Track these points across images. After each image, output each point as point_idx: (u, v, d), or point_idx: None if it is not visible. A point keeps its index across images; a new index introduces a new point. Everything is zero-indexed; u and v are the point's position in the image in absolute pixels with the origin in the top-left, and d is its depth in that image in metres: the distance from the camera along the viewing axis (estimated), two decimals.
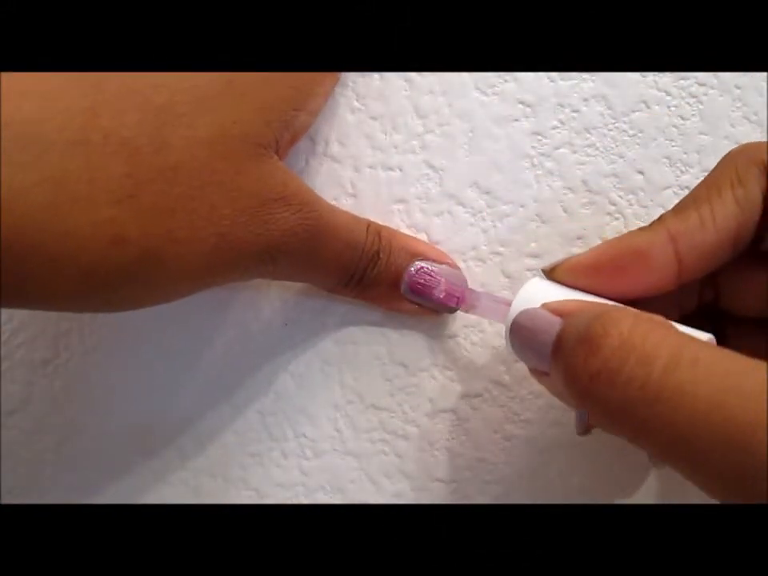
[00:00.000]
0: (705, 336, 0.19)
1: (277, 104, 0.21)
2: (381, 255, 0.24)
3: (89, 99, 0.18)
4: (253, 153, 0.20)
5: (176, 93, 0.19)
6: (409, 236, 0.25)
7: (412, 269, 0.24)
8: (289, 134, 0.22)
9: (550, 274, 0.22)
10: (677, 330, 0.17)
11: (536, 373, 0.20)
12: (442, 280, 0.24)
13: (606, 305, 0.19)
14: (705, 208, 0.20)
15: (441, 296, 0.24)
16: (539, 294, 0.21)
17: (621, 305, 0.20)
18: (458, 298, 0.24)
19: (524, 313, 0.20)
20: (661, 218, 0.21)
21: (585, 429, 0.23)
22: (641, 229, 0.21)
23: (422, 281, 0.24)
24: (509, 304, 0.21)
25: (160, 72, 0.19)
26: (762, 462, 0.15)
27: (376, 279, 0.24)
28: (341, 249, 0.23)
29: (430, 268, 0.24)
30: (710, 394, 0.15)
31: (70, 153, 0.18)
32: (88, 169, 0.18)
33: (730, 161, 0.20)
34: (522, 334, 0.20)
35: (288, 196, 0.21)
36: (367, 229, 0.24)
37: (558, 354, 0.18)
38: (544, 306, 0.20)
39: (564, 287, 0.21)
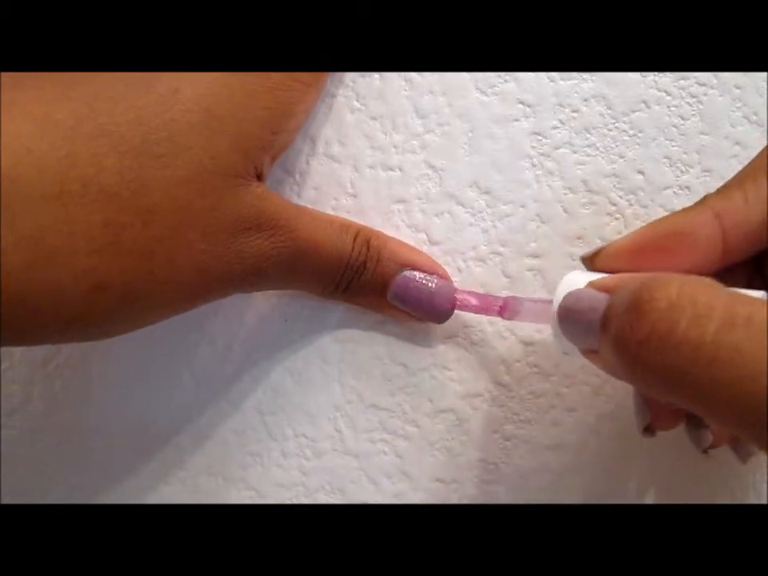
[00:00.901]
0: (758, 294, 0.18)
1: (254, 131, 0.21)
2: (367, 265, 0.24)
3: (65, 147, 0.18)
4: (230, 185, 0.20)
5: (152, 131, 0.19)
6: (402, 243, 0.25)
7: (399, 278, 0.24)
8: (269, 155, 0.22)
9: (592, 260, 0.21)
10: (728, 290, 0.16)
11: (589, 353, 0.20)
12: (430, 290, 0.24)
13: (649, 274, 0.18)
14: (750, 186, 0.20)
15: (475, 303, 0.24)
16: (581, 284, 0.20)
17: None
18: (501, 306, 0.23)
19: (570, 295, 0.19)
20: (704, 198, 0.20)
21: (647, 427, 0.23)
22: (683, 210, 0.21)
23: (408, 291, 0.24)
24: (551, 302, 0.21)
25: (120, 105, 0.19)
26: None
27: (362, 288, 0.24)
28: (321, 264, 0.23)
29: (416, 279, 0.24)
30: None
31: (47, 208, 0.17)
32: (67, 221, 0.18)
33: None
34: (569, 316, 0.19)
35: (261, 224, 0.21)
36: (354, 239, 0.24)
37: (607, 328, 0.17)
38: (589, 284, 0.19)
39: (604, 275, 0.20)
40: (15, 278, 0.17)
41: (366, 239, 0.24)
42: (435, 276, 0.24)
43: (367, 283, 0.24)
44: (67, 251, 0.18)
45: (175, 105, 0.19)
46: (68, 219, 0.18)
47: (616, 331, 0.17)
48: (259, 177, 0.21)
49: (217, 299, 0.22)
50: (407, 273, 0.24)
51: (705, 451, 0.23)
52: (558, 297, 0.20)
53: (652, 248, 0.20)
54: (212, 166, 0.20)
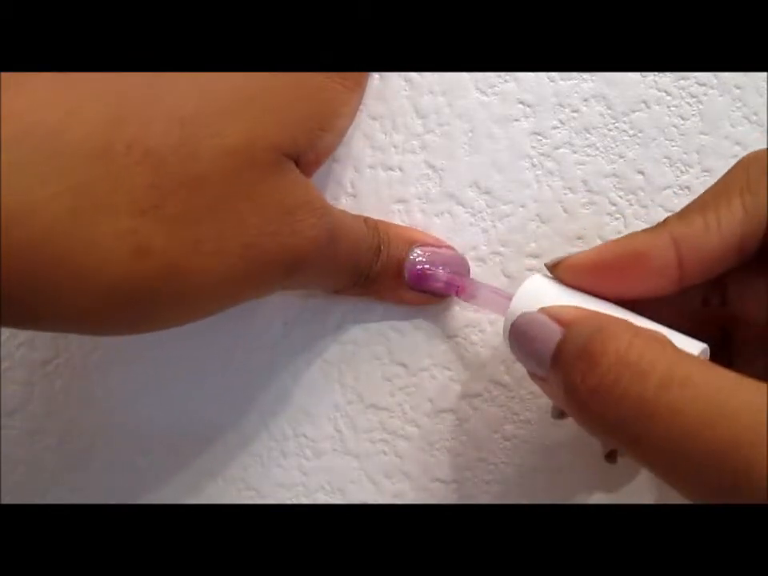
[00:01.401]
0: (699, 348, 0.19)
1: (302, 120, 0.21)
2: (382, 248, 0.24)
3: (112, 109, 0.18)
4: (278, 161, 0.20)
5: (202, 102, 0.19)
6: (403, 226, 0.26)
7: (412, 256, 0.24)
8: (313, 153, 0.21)
9: (553, 269, 0.22)
10: (673, 347, 0.17)
11: (533, 376, 0.21)
12: (442, 262, 0.25)
13: (606, 316, 0.19)
14: (710, 213, 0.20)
15: (443, 279, 0.24)
16: (540, 292, 0.21)
17: (620, 313, 0.20)
18: (458, 287, 0.24)
19: (524, 317, 0.20)
20: (665, 221, 0.21)
21: (560, 414, 0.23)
22: (643, 231, 0.21)
23: (424, 266, 0.24)
24: (509, 297, 0.21)
25: (180, 78, 0.19)
26: (749, 477, 0.15)
27: (380, 273, 0.24)
28: (352, 249, 0.23)
29: (429, 252, 0.25)
30: (700, 413, 0.16)
31: (92, 163, 0.17)
32: (110, 178, 0.17)
33: (742, 168, 0.20)
34: (521, 338, 0.20)
35: (309, 203, 0.21)
36: (365, 224, 0.24)
37: (558, 366, 0.18)
38: (543, 310, 0.20)
39: (564, 287, 0.21)
40: (55, 230, 0.17)
41: (374, 225, 0.24)
42: (443, 248, 0.25)
43: (384, 266, 0.24)
44: (110, 208, 0.17)
45: (226, 81, 0.20)
46: (111, 176, 0.17)
47: (568, 373, 0.18)
48: (301, 170, 0.21)
49: (261, 294, 0.22)
50: (418, 250, 0.25)
51: (609, 459, 0.24)
52: (517, 301, 0.21)
53: (609, 266, 0.21)
54: (261, 141, 0.19)
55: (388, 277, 0.24)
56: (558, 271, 0.21)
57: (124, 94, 0.18)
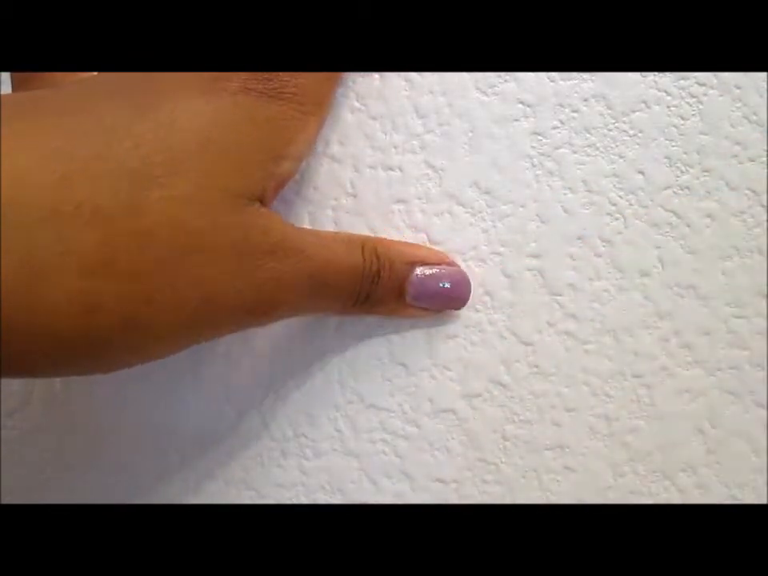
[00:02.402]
0: None
1: (254, 154, 0.20)
2: (382, 273, 0.24)
3: (60, 169, 0.18)
4: (231, 205, 0.20)
5: (149, 154, 0.19)
6: (405, 243, 0.25)
7: (414, 278, 0.24)
8: (271, 182, 0.21)
9: None
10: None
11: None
12: (446, 280, 0.25)
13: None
14: None
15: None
16: None
17: None
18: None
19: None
20: None
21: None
22: None
23: (426, 288, 0.24)
24: None
25: (133, 126, 0.19)
26: None
27: (382, 297, 0.24)
28: (338, 282, 0.23)
29: (430, 274, 0.25)
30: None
31: (41, 227, 0.17)
32: (60, 241, 0.17)
33: None
34: None
35: (272, 246, 0.20)
36: (362, 251, 0.24)
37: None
38: None
39: None
40: (12, 299, 0.17)
41: (373, 248, 0.24)
42: (444, 265, 0.25)
43: (385, 291, 0.24)
44: (60, 271, 0.17)
45: (174, 132, 0.19)
46: (61, 240, 0.17)
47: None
48: (262, 202, 0.21)
49: (230, 332, 0.21)
50: (419, 270, 0.24)
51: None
52: None
53: None
54: (211, 186, 0.19)
55: (390, 299, 0.24)
56: None
57: (71, 154, 0.18)
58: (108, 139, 0.19)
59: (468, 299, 0.25)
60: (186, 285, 0.19)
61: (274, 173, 0.21)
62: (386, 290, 0.24)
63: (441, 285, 0.25)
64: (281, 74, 0.21)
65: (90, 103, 0.19)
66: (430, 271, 0.24)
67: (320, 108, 0.23)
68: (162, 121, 0.19)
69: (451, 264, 0.25)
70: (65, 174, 0.18)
